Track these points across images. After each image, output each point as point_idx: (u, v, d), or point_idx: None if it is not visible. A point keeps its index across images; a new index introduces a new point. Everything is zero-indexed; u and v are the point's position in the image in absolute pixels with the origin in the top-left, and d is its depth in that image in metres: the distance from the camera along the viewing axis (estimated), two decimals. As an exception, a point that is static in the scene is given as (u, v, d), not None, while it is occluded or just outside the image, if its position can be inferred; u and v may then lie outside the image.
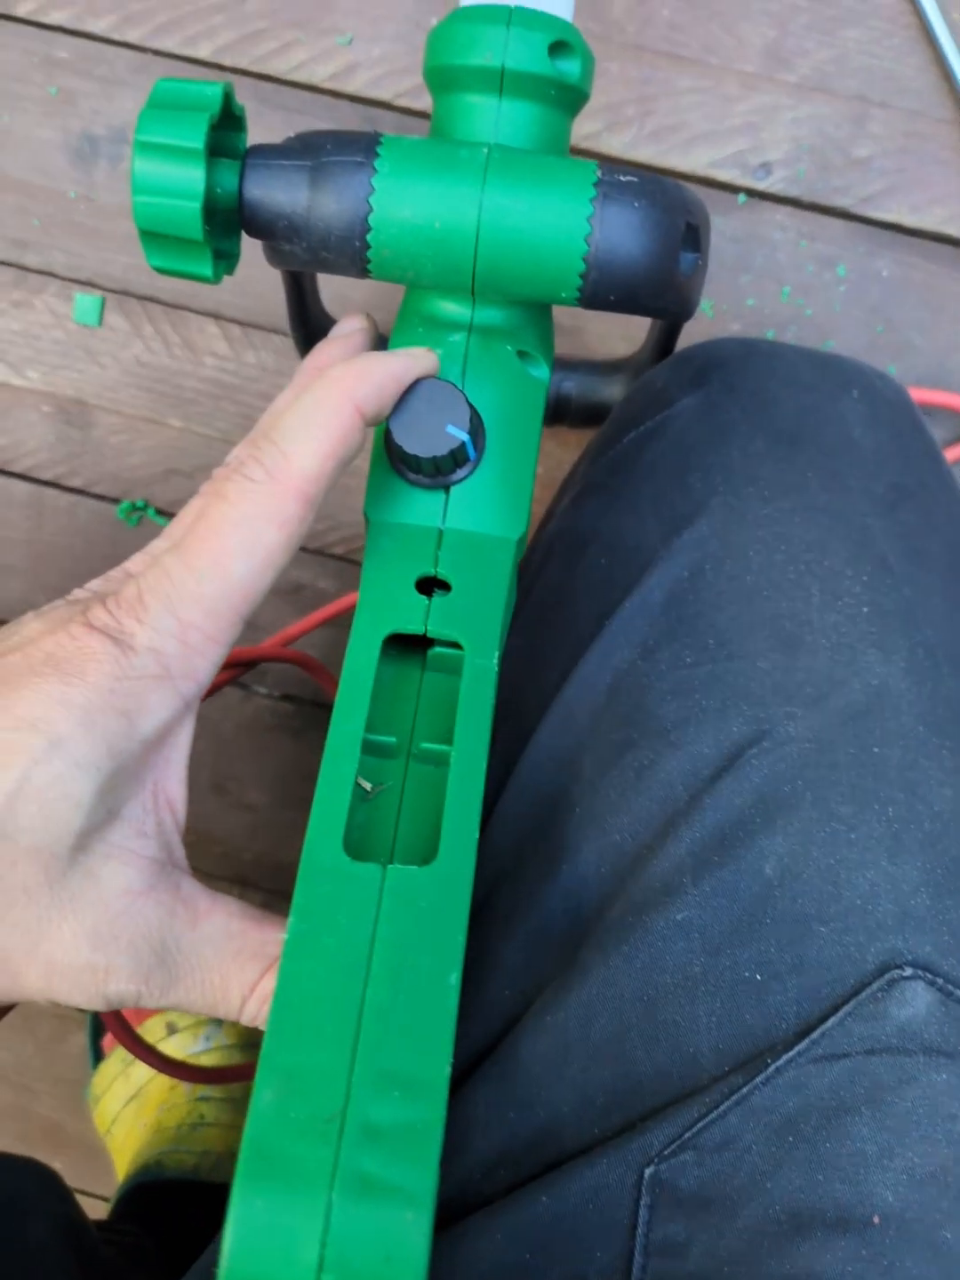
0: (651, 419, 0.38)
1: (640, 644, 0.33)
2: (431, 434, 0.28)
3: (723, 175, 0.51)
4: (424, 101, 0.52)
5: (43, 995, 0.25)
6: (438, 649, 0.28)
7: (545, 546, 0.39)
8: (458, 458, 0.28)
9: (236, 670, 0.47)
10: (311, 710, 0.63)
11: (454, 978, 0.22)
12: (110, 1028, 0.41)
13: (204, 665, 0.26)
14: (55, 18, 0.53)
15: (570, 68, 0.31)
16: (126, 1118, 0.67)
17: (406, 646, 0.28)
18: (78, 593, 0.28)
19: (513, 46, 0.30)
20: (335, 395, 0.27)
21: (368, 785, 0.26)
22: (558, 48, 0.30)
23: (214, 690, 0.46)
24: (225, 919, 0.26)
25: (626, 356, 0.49)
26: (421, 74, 0.33)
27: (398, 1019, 0.22)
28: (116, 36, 0.53)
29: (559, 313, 0.53)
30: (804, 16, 0.48)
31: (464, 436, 0.28)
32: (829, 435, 0.35)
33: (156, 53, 0.53)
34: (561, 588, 0.37)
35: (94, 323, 0.58)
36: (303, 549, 0.60)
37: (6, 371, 0.59)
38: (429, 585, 0.28)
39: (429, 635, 0.27)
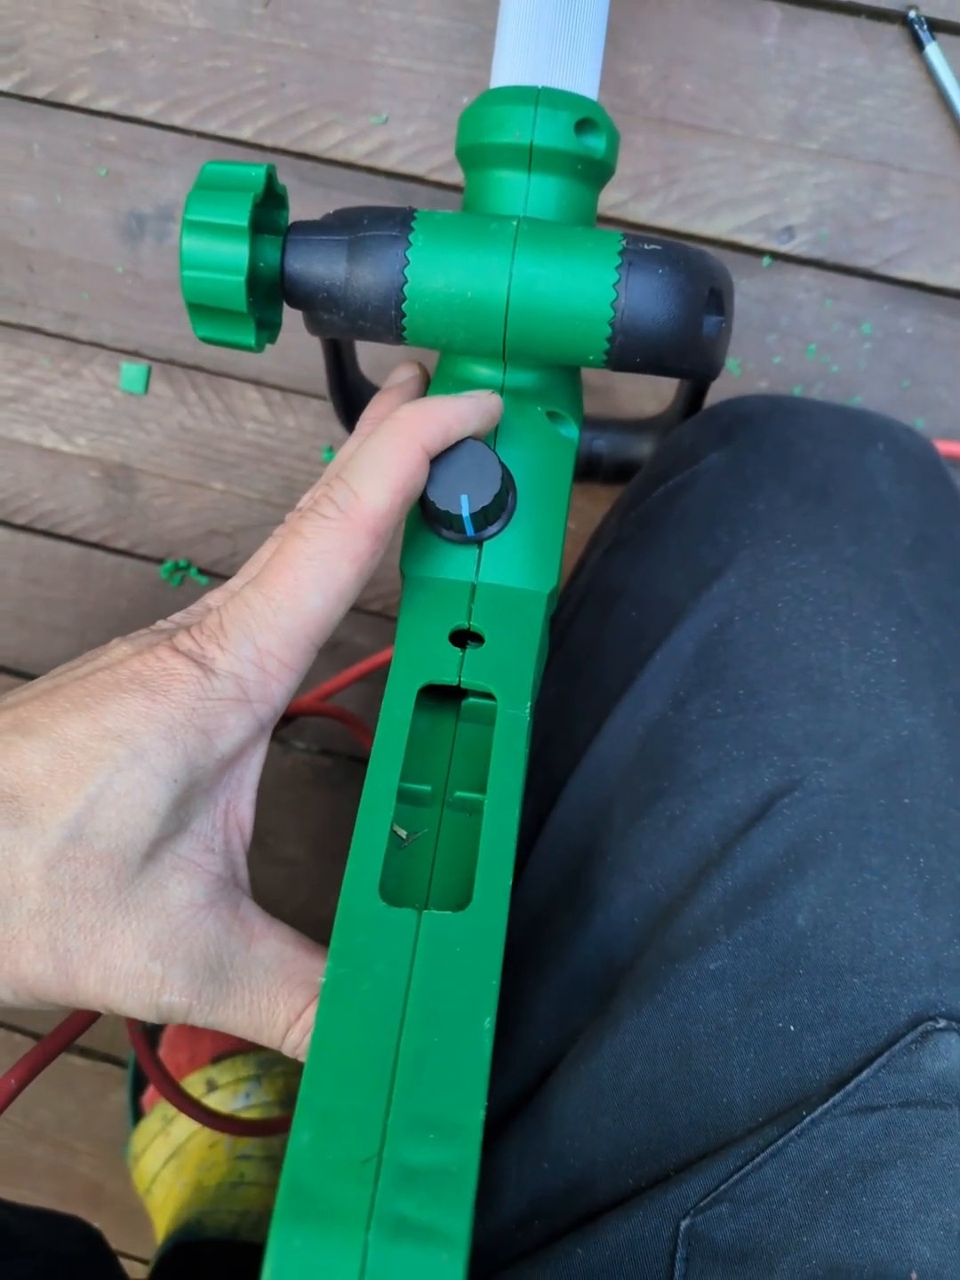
0: (679, 474, 0.38)
1: (671, 695, 0.34)
2: (464, 495, 0.28)
3: (747, 239, 0.52)
4: (456, 175, 0.54)
5: (97, 1000, 0.25)
6: (471, 700, 0.29)
7: (576, 600, 0.40)
8: (489, 515, 0.29)
9: (278, 723, 0.48)
10: (349, 764, 0.64)
11: (488, 1022, 0.22)
12: (151, 1076, 0.41)
13: (279, 691, 0.27)
14: (105, 104, 0.56)
15: (596, 143, 0.32)
16: (166, 1177, 0.67)
17: (441, 697, 0.29)
18: (162, 623, 0.29)
19: (540, 124, 0.31)
20: (402, 436, 0.28)
21: (403, 833, 0.27)
22: (583, 125, 0.32)
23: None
24: (279, 944, 0.27)
25: (655, 415, 0.50)
26: (454, 149, 0.34)
27: (433, 1063, 0.22)
28: (163, 121, 0.56)
29: (590, 374, 0.55)
30: (823, 87, 0.50)
31: (466, 514, 0.29)
32: (855, 489, 0.36)
33: (201, 135, 0.56)
34: (592, 640, 0.38)
35: (140, 390, 0.60)
36: (340, 606, 0.61)
37: (56, 438, 0.61)
38: (463, 638, 0.29)
39: (463, 686, 0.28)
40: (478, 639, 0.29)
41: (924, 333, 0.52)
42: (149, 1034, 0.65)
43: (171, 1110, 0.66)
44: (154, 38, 0.55)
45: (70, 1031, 0.32)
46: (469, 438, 0.29)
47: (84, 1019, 0.33)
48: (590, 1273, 0.27)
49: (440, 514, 0.29)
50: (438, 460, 0.29)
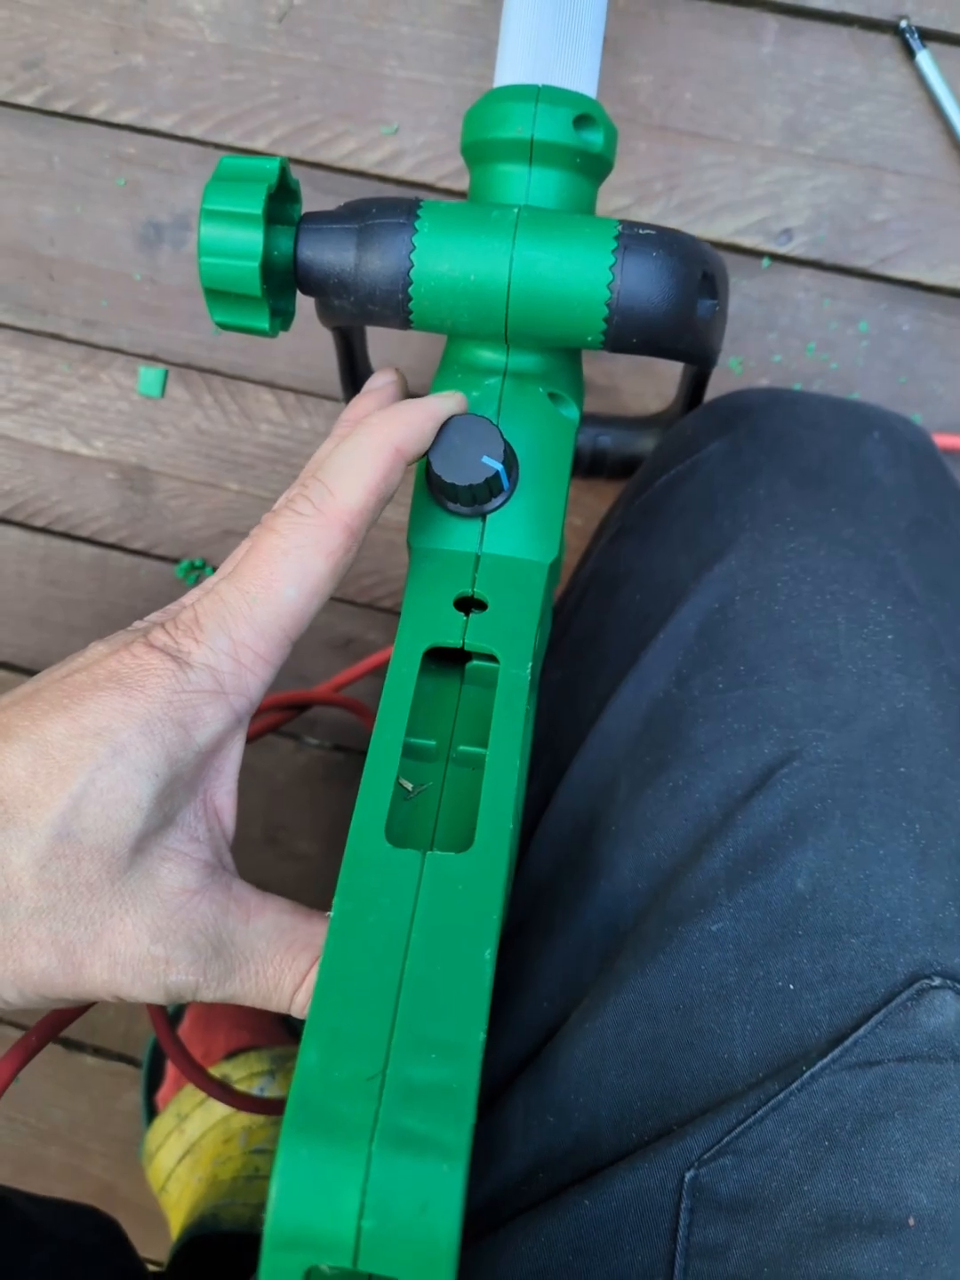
0: (681, 463, 0.40)
1: (674, 673, 0.35)
2: (469, 465, 0.30)
3: (747, 241, 0.54)
4: (465, 182, 0.56)
5: (106, 988, 0.26)
6: (475, 663, 0.30)
7: (581, 586, 0.41)
8: (493, 487, 0.30)
9: (289, 714, 0.49)
10: (361, 760, 0.65)
11: (489, 953, 0.23)
12: (170, 1053, 0.42)
13: (255, 683, 0.28)
14: (124, 117, 0.58)
15: (594, 138, 0.33)
16: (181, 1174, 0.67)
17: (446, 663, 0.30)
18: (137, 623, 0.30)
19: (541, 120, 0.33)
20: (376, 438, 0.29)
21: (409, 786, 0.28)
22: (582, 120, 0.33)
23: (269, 729, 0.47)
24: (276, 915, 0.28)
25: (658, 412, 0.51)
26: (460, 153, 0.36)
27: (435, 989, 0.23)
28: (180, 132, 0.58)
29: (596, 373, 0.56)
30: (819, 94, 0.52)
31: (498, 466, 0.30)
32: (852, 474, 0.37)
33: (217, 146, 0.58)
34: (598, 624, 0.39)
35: (157, 394, 0.61)
36: (352, 603, 0.62)
37: (75, 442, 0.63)
38: (467, 605, 0.30)
39: (467, 648, 0.29)
40: (481, 605, 0.30)
41: (920, 330, 0.53)
42: (171, 1029, 0.65)
43: (186, 1107, 0.67)
44: (171, 53, 0.57)
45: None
46: (476, 414, 0.30)
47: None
48: (596, 1223, 0.28)
49: (445, 486, 0.30)
50: (444, 431, 0.30)
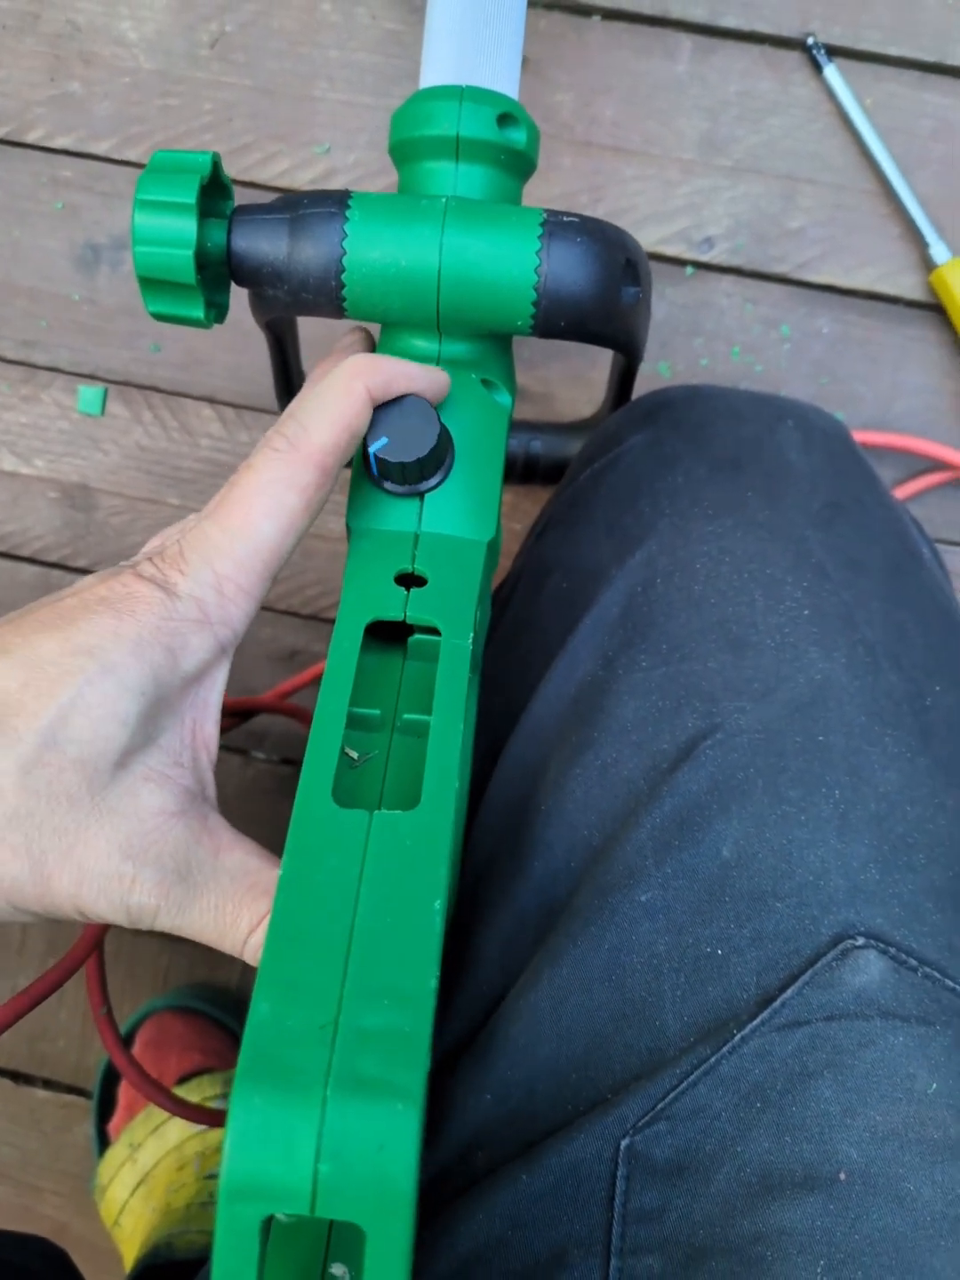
0: (605, 456, 0.41)
1: (600, 655, 0.35)
2: (405, 445, 0.30)
3: (670, 250, 0.55)
4: (396, 200, 0.57)
5: (70, 902, 0.26)
6: (417, 638, 0.30)
7: (512, 579, 0.42)
8: (429, 466, 0.31)
9: (234, 721, 0.49)
10: (308, 773, 0.65)
11: (439, 904, 0.23)
12: (122, 1069, 0.41)
13: (238, 614, 0.29)
14: (60, 142, 0.59)
15: (517, 136, 0.35)
16: (135, 1206, 0.66)
17: (388, 640, 0.31)
18: (124, 562, 0.30)
19: (465, 118, 0.34)
20: (348, 379, 0.30)
21: (354, 754, 0.28)
22: (505, 119, 0.34)
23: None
24: (245, 856, 0.28)
25: (589, 416, 0.53)
26: (388, 157, 0.37)
27: (386, 940, 0.23)
28: (116, 156, 0.59)
29: (531, 382, 0.57)
30: (733, 109, 0.53)
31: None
32: (767, 460, 0.38)
33: (152, 169, 0.59)
34: (527, 613, 0.39)
35: (97, 412, 0.62)
36: (296, 615, 0.62)
37: (15, 462, 0.63)
38: (407, 581, 0.30)
39: (408, 621, 0.29)
40: (421, 581, 0.30)
41: (839, 332, 0.55)
42: (121, 1042, 0.64)
43: (138, 1135, 0.66)
44: (107, 79, 0.58)
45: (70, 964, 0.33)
46: (412, 394, 0.31)
47: (84, 947, 0.34)
48: (535, 1197, 0.28)
49: (380, 463, 0.30)
50: (381, 413, 0.30)
